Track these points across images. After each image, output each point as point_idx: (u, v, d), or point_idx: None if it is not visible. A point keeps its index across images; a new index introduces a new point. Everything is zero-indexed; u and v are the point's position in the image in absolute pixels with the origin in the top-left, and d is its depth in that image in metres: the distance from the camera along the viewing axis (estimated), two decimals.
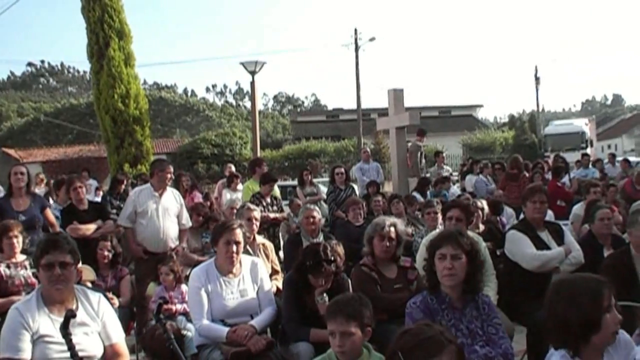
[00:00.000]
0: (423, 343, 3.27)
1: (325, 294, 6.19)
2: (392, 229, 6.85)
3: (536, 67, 67.94)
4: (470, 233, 6.56)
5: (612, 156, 25.77)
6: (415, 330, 3.38)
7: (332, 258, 6.33)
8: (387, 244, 6.80)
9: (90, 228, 9.93)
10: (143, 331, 8.16)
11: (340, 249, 6.59)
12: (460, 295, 5.02)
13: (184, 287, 8.07)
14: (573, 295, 3.61)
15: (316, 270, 6.26)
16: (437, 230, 8.08)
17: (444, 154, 22.34)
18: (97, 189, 20.38)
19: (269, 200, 12.73)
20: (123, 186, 15.12)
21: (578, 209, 11.97)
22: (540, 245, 7.51)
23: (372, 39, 52.21)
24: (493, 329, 5.06)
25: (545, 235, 7.68)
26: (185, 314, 7.77)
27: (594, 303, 3.59)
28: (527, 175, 16.28)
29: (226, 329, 6.12)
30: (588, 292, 3.61)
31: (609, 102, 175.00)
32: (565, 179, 17.08)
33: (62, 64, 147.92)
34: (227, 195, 15.45)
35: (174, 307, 7.95)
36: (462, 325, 4.96)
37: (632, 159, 27.32)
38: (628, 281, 6.50)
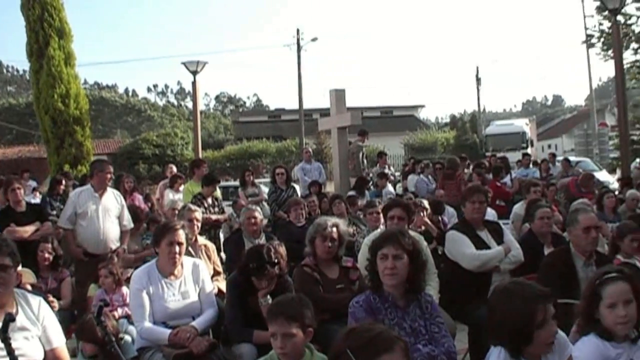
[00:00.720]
0: (374, 340, 3.25)
1: (268, 296, 6.19)
2: (334, 229, 6.86)
3: (477, 67, 68.89)
4: (412, 232, 6.60)
5: (553, 156, 26.05)
6: (364, 328, 3.37)
7: (276, 260, 6.33)
8: (330, 244, 6.81)
9: (27, 230, 9.74)
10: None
11: (282, 250, 6.58)
12: (403, 294, 5.04)
13: (124, 289, 8.01)
14: (512, 299, 3.66)
15: (260, 273, 6.24)
16: (379, 230, 8.10)
17: (386, 155, 22.47)
18: (33, 189, 20.08)
19: (210, 201, 12.68)
20: (62, 187, 14.96)
21: (519, 208, 12.10)
22: (480, 244, 7.56)
23: (314, 39, 52.33)
24: (436, 327, 5.09)
25: (484, 235, 7.74)
26: (127, 316, 7.72)
27: (526, 320, 3.66)
28: (462, 172, 16.47)
29: (168, 331, 6.09)
30: (523, 303, 3.67)
31: (549, 103, 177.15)
32: (507, 179, 17.27)
33: (0, 63, 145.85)
34: (169, 196, 15.34)
35: (116, 313, 7.88)
36: (405, 324, 4.98)
37: (572, 158, 27.66)
38: (567, 279, 6.58)
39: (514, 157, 25.85)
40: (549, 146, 70.13)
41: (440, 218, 11.76)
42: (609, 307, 4.27)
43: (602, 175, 26.17)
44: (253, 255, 6.41)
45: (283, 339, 4.49)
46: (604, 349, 4.28)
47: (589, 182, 16.91)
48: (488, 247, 7.58)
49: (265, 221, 11.08)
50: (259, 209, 9.96)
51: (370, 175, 19.42)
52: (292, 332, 4.51)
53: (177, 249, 6.34)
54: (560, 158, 25.29)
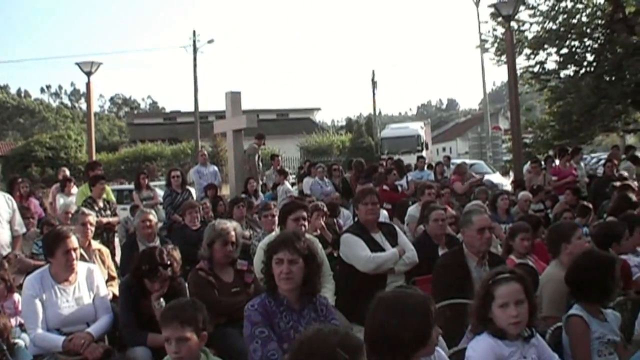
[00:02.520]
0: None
1: (162, 300, 6.12)
2: (233, 232, 6.86)
3: (373, 71, 69.34)
4: (308, 235, 6.63)
5: (448, 159, 26.47)
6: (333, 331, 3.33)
7: (169, 262, 6.28)
8: (230, 248, 6.79)
9: None
10: None
11: (176, 254, 6.53)
12: (298, 297, 5.04)
13: (16, 296, 7.83)
14: (405, 312, 3.69)
15: (152, 275, 6.19)
16: (274, 233, 8.10)
17: (279, 157, 22.55)
18: None
19: (101, 204, 12.47)
20: None
21: (413, 210, 12.23)
22: (375, 247, 7.61)
23: (210, 41, 52.18)
24: None
25: (379, 237, 7.79)
26: (20, 324, 7.55)
27: (424, 319, 3.69)
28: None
29: (62, 338, 5.97)
30: (419, 309, 3.70)
31: (444, 106, 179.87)
32: (403, 181, 17.46)
33: None
34: (60, 199, 15.05)
35: (7, 323, 7.70)
36: (300, 327, 4.94)
37: (466, 161, 28.15)
38: (461, 279, 6.67)
39: (409, 160, 26.12)
40: (444, 149, 71.25)
41: (335, 220, 11.81)
42: (501, 307, 4.34)
43: (496, 178, 26.67)
44: (146, 258, 6.36)
45: (177, 344, 4.45)
46: (497, 348, 4.34)
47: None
48: (383, 249, 7.63)
49: (160, 224, 10.98)
50: (153, 212, 9.86)
51: (265, 178, 19.43)
52: (186, 336, 4.46)
53: (74, 255, 6.25)
54: (457, 161, 25.72)
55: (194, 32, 51.69)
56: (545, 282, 6.33)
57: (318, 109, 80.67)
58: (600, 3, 26.44)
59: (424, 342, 3.69)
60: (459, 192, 16.68)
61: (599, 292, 5.15)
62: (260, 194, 17.22)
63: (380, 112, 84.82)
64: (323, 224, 9.92)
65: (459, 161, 25.38)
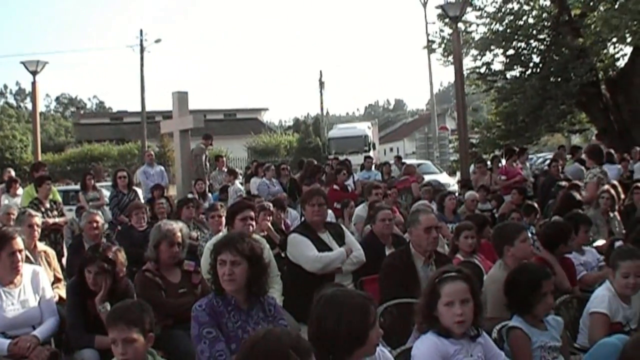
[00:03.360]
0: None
1: (107, 303, 6.06)
2: (179, 233, 6.83)
3: (321, 71, 69.13)
4: (255, 235, 6.62)
5: (399, 159, 26.58)
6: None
7: (113, 258, 6.23)
8: (177, 249, 6.77)
9: None
10: None
11: (121, 255, 6.47)
12: (246, 297, 5.03)
13: None
14: (342, 310, 3.69)
15: (90, 263, 6.13)
16: (221, 234, 8.07)
17: (224, 157, 22.49)
18: None
19: (48, 205, 12.36)
20: None
21: (361, 210, 12.26)
22: (322, 246, 7.65)
23: (157, 41, 51.93)
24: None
25: (326, 237, 7.84)
26: None
27: (362, 319, 3.70)
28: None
29: (7, 342, 5.87)
30: (357, 309, 3.71)
31: (391, 107, 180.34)
32: (350, 181, 17.49)
33: None
34: (5, 200, 14.86)
35: None
36: (249, 327, 4.96)
37: (413, 161, 28.30)
38: (408, 279, 6.71)
39: (356, 160, 26.16)
40: (391, 149, 71.42)
41: (283, 220, 11.80)
42: (447, 305, 4.37)
43: (443, 178, 26.82)
44: (89, 249, 6.42)
45: (124, 345, 4.42)
46: (441, 346, 4.36)
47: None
48: (330, 249, 7.68)
49: (106, 225, 10.89)
50: (100, 213, 9.79)
51: (211, 179, 19.35)
52: (132, 338, 4.44)
53: (19, 257, 6.17)
54: (409, 162, 25.87)
55: (141, 31, 51.43)
56: (488, 283, 6.38)
57: (266, 109, 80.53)
58: (546, 5, 26.72)
59: (362, 342, 3.69)
60: (416, 194, 16.75)
61: (527, 306, 5.20)
62: (209, 194, 17.16)
63: (327, 112, 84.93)
64: (270, 224, 9.91)
65: (409, 162, 25.57)
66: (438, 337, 4.40)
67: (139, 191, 16.67)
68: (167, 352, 5.45)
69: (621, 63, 25.95)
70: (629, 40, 23.13)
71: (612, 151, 17.71)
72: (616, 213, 11.36)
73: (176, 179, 19.12)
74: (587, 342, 5.91)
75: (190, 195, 15.09)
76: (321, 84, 64.13)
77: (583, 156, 15.51)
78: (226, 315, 4.96)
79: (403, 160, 27.10)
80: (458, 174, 20.95)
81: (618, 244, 6.56)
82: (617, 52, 26.13)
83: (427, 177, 21.61)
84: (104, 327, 4.90)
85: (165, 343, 5.69)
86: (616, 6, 22.43)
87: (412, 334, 4.97)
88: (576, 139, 40.94)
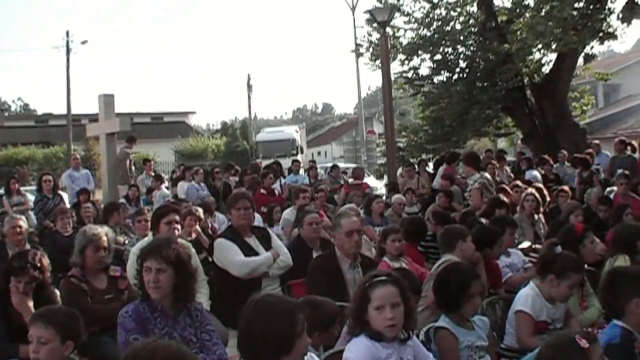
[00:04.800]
0: None
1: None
2: (105, 237, 6.74)
3: (249, 75, 69.01)
4: (181, 240, 6.56)
5: (335, 167, 26.61)
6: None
7: (38, 264, 6.12)
8: (103, 254, 6.67)
9: None
10: None
11: (45, 261, 6.35)
12: (172, 303, 5.00)
13: None
14: (270, 316, 3.68)
15: (20, 273, 6.01)
16: (147, 239, 7.98)
17: (152, 162, 22.35)
18: None
19: None
20: None
21: (288, 213, 12.26)
22: (249, 251, 7.64)
23: (84, 42, 51.45)
24: (207, 335, 5.11)
25: (253, 241, 7.82)
26: None
27: (289, 326, 3.68)
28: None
29: None
30: (285, 315, 3.70)
31: (319, 110, 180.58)
32: (277, 185, 17.48)
33: None
34: None
35: None
36: (175, 333, 4.94)
37: (341, 164, 28.39)
38: (335, 282, 6.76)
39: (284, 163, 26.18)
40: (319, 153, 71.55)
41: (210, 224, 11.74)
42: (377, 309, 4.37)
43: (370, 181, 26.95)
44: (15, 257, 6.26)
45: (37, 344, 4.39)
46: (374, 350, 4.37)
47: (360, 172, 18.62)
48: (257, 253, 7.67)
49: (30, 230, 10.72)
50: (24, 218, 9.63)
51: (137, 182, 19.17)
52: (47, 338, 4.40)
53: None
54: (328, 164, 25.95)
55: (67, 32, 50.91)
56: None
57: (193, 113, 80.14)
58: (473, 11, 26.99)
59: (288, 350, 3.67)
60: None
61: (456, 306, 5.24)
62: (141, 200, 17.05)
63: (255, 116, 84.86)
64: (198, 228, 9.85)
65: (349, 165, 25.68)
66: (370, 341, 4.40)
67: (65, 195, 16.44)
68: (94, 359, 5.37)
69: (546, 69, 26.38)
70: (553, 46, 23.52)
71: (530, 157, 18.05)
72: (541, 215, 11.53)
73: (102, 183, 18.87)
74: (514, 342, 6.00)
75: (123, 201, 14.98)
76: (249, 87, 64.09)
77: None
78: (153, 321, 4.94)
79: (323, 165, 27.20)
80: (385, 177, 21.04)
81: (558, 249, 6.61)
82: (542, 58, 26.57)
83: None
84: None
85: (92, 350, 5.62)
86: (542, 13, 22.74)
87: (342, 337, 4.97)
88: (502, 143, 41.44)
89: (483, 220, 9.55)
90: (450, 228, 7.61)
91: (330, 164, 26.50)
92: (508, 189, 12.96)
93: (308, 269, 7.19)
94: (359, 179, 18.97)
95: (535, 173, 17.54)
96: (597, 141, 22.58)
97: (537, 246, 10.08)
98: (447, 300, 5.31)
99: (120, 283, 6.80)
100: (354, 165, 31.59)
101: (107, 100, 16.98)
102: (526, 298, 5.97)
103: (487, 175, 12.44)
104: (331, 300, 4.97)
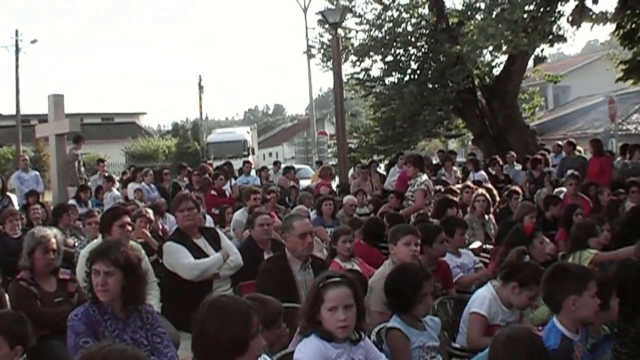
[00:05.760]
0: None
1: None
2: (54, 239, 6.67)
3: (200, 75, 68.80)
4: (132, 242, 6.53)
5: (277, 164, 26.57)
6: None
7: None
8: (52, 256, 6.59)
9: None
10: None
11: None
12: (122, 306, 4.98)
13: None
14: (225, 317, 3.67)
15: None
16: (96, 241, 7.90)
17: (105, 162, 22.15)
18: None
19: None
20: None
21: (239, 215, 12.22)
22: (198, 253, 7.64)
23: (33, 42, 51.02)
24: (158, 338, 5.08)
25: (202, 242, 7.83)
26: None
27: (244, 328, 3.68)
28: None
29: None
30: (239, 317, 3.70)
31: (270, 112, 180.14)
32: (227, 186, 17.41)
33: None
34: None
35: None
36: (126, 336, 4.92)
37: (295, 165, 28.37)
38: (285, 283, 6.78)
39: (235, 164, 26.11)
40: (270, 154, 71.47)
41: (161, 226, 11.68)
42: (330, 310, 4.38)
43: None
44: None
45: None
46: (324, 350, 4.38)
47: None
48: (206, 255, 7.68)
49: None
50: None
51: (89, 183, 18.99)
52: None
53: None
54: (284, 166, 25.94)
55: (17, 31, 50.38)
56: (377, 279, 6.43)
57: (144, 113, 79.68)
58: (425, 13, 27.13)
59: (242, 351, 3.67)
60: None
61: (407, 306, 5.27)
62: (89, 201, 16.87)
63: (207, 117, 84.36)
64: (147, 231, 9.78)
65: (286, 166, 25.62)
66: (321, 341, 4.41)
67: (13, 197, 16.22)
68: None
69: (497, 70, 26.64)
70: (504, 48, 23.69)
71: (478, 158, 18.21)
72: (491, 216, 11.63)
73: (52, 184, 18.67)
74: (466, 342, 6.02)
75: (71, 202, 14.84)
76: (200, 88, 63.69)
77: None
78: (103, 324, 4.91)
79: (282, 165, 27.17)
80: (337, 178, 21.08)
81: (526, 258, 6.67)
82: (493, 60, 26.84)
83: (306, 182, 21.71)
84: None
85: (42, 354, 5.56)
86: (492, 16, 22.91)
87: (294, 338, 4.96)
88: (453, 144, 41.77)
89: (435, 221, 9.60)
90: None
91: (284, 165, 26.51)
92: (456, 189, 13.08)
93: (259, 270, 7.19)
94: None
95: (482, 173, 17.73)
96: (558, 142, 22.84)
97: (488, 246, 10.18)
98: (398, 300, 5.33)
99: (69, 286, 6.73)
100: (304, 166, 31.68)
101: (57, 100, 16.81)
102: (483, 300, 5.99)
103: (426, 177, 12.52)
104: (276, 300, 4.95)
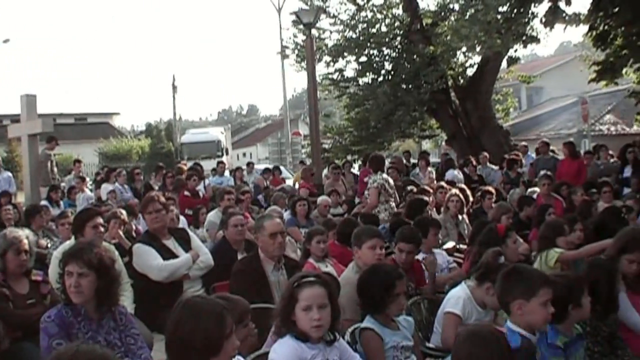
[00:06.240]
0: None
1: None
2: (26, 240, 6.62)
3: (174, 76, 68.42)
4: (105, 244, 6.50)
5: (250, 165, 26.55)
6: None
7: None
8: (24, 257, 6.54)
9: None
10: None
11: None
12: (95, 307, 4.96)
13: None
14: (199, 318, 3.67)
15: None
16: (69, 243, 7.86)
17: (82, 163, 22.10)
18: None
19: None
20: None
21: (213, 216, 12.21)
22: (167, 254, 7.65)
23: (5, 41, 50.62)
24: (132, 339, 5.08)
25: (171, 243, 7.84)
26: None
27: (218, 328, 3.68)
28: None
29: None
30: (213, 317, 3.70)
31: (244, 112, 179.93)
32: (201, 186, 17.38)
33: None
34: None
35: None
36: (100, 337, 4.90)
37: (265, 166, 28.33)
38: (259, 284, 6.80)
39: (209, 165, 26.05)
40: (244, 154, 71.36)
41: (135, 226, 11.64)
42: (304, 310, 4.39)
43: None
44: None
45: None
46: (299, 350, 4.38)
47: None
48: (176, 256, 7.69)
49: None
50: None
51: (63, 184, 18.91)
52: None
53: None
54: (262, 167, 25.98)
55: None
56: (343, 284, 6.43)
57: (117, 114, 79.26)
58: (399, 14, 27.14)
59: (216, 351, 3.68)
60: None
61: (380, 306, 5.29)
62: (61, 202, 16.79)
63: (180, 117, 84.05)
64: (121, 232, 9.75)
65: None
66: (296, 341, 4.42)
67: None
68: None
69: (470, 71, 26.73)
70: (478, 49, 23.82)
71: (452, 157, 18.29)
72: (465, 216, 11.69)
73: (24, 185, 18.55)
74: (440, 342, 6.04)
75: (43, 202, 14.76)
76: (174, 88, 63.47)
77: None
78: (76, 325, 4.89)
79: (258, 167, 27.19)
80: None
81: (501, 259, 6.68)
82: (467, 61, 26.91)
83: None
84: None
85: (14, 356, 5.52)
86: (466, 17, 22.99)
87: (269, 338, 4.97)
88: (427, 145, 41.86)
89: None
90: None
91: (263, 167, 26.57)
92: (428, 189, 13.15)
93: (232, 271, 7.20)
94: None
95: (456, 172, 17.82)
96: (524, 143, 22.97)
97: (462, 246, 10.22)
98: (372, 300, 5.34)
99: (42, 288, 6.67)
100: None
101: (29, 100, 16.70)
102: (457, 300, 6.01)
103: (385, 176, 12.55)
104: (243, 299, 4.94)
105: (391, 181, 12.65)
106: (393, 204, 12.33)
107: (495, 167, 19.27)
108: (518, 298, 4.72)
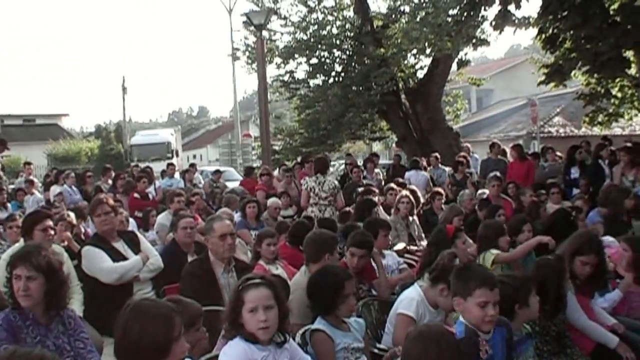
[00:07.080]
0: None
1: None
2: None
3: (124, 77, 68.20)
4: (55, 246, 6.44)
5: (193, 166, 26.50)
6: None
7: None
8: None
9: None
10: None
11: None
12: (44, 311, 4.92)
13: None
14: (146, 320, 3.65)
15: None
16: (17, 245, 7.77)
17: (32, 165, 21.90)
18: None
19: None
20: None
21: (163, 218, 12.14)
22: (117, 256, 7.61)
23: None
24: (81, 343, 5.04)
25: (120, 246, 7.80)
26: None
27: (166, 331, 3.68)
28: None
29: None
30: (161, 319, 3.70)
31: (195, 114, 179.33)
32: (151, 189, 17.28)
33: None
34: None
35: None
36: (48, 342, 4.86)
37: (214, 168, 28.25)
38: (209, 286, 6.82)
39: (159, 167, 25.92)
40: (194, 156, 71.12)
41: (84, 229, 11.54)
42: (251, 312, 4.39)
43: None
44: None
45: None
46: (249, 352, 4.40)
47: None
48: (125, 258, 7.65)
49: None
50: None
51: (13, 186, 18.72)
52: None
53: None
54: (211, 169, 25.91)
55: None
56: (293, 289, 6.43)
57: (66, 115, 78.44)
58: (350, 16, 27.24)
59: (164, 354, 3.68)
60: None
61: (330, 307, 5.30)
62: (9, 204, 16.59)
63: (130, 119, 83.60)
64: (70, 235, 9.66)
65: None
66: (246, 343, 4.43)
67: None
68: None
69: (421, 73, 26.87)
70: (428, 51, 23.98)
71: (418, 159, 18.39)
72: (415, 217, 11.73)
73: None
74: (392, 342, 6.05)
75: None
76: (124, 89, 63.08)
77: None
78: (24, 330, 4.85)
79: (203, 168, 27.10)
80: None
81: (457, 261, 6.69)
82: (417, 63, 27.07)
83: (230, 184, 21.64)
84: None
85: None
86: (417, 19, 23.06)
87: (219, 342, 4.95)
88: (377, 146, 41.99)
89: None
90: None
91: (213, 168, 26.51)
92: (375, 189, 13.21)
93: (182, 274, 7.20)
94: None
95: (424, 173, 17.95)
96: (467, 144, 23.13)
97: (412, 247, 10.28)
98: (321, 302, 5.36)
99: None
100: (229, 169, 31.64)
101: None
102: (410, 302, 6.03)
103: (322, 179, 12.55)
104: (196, 302, 4.92)
105: (330, 184, 12.57)
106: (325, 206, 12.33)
107: (447, 169, 19.35)
108: (457, 295, 4.84)
